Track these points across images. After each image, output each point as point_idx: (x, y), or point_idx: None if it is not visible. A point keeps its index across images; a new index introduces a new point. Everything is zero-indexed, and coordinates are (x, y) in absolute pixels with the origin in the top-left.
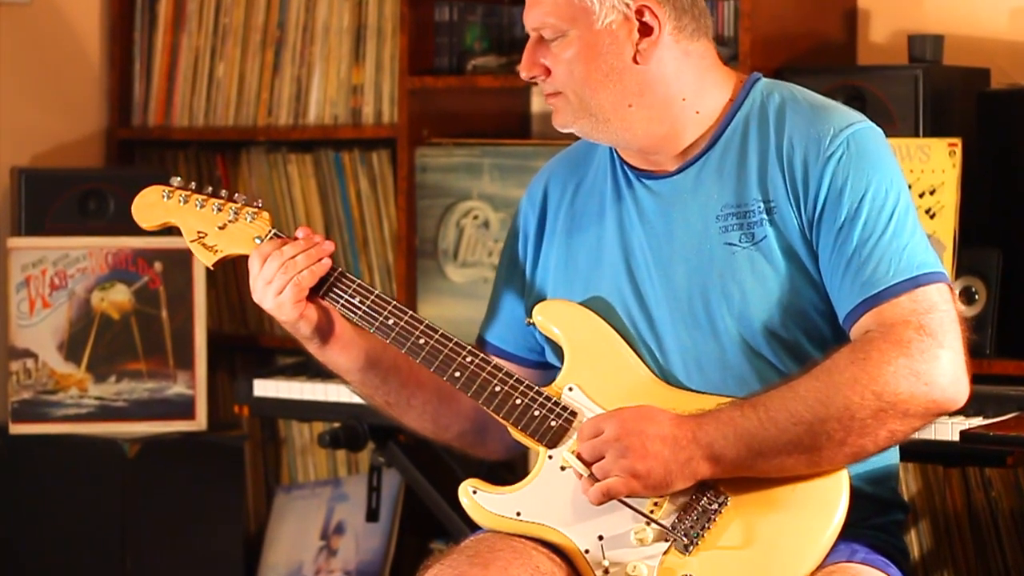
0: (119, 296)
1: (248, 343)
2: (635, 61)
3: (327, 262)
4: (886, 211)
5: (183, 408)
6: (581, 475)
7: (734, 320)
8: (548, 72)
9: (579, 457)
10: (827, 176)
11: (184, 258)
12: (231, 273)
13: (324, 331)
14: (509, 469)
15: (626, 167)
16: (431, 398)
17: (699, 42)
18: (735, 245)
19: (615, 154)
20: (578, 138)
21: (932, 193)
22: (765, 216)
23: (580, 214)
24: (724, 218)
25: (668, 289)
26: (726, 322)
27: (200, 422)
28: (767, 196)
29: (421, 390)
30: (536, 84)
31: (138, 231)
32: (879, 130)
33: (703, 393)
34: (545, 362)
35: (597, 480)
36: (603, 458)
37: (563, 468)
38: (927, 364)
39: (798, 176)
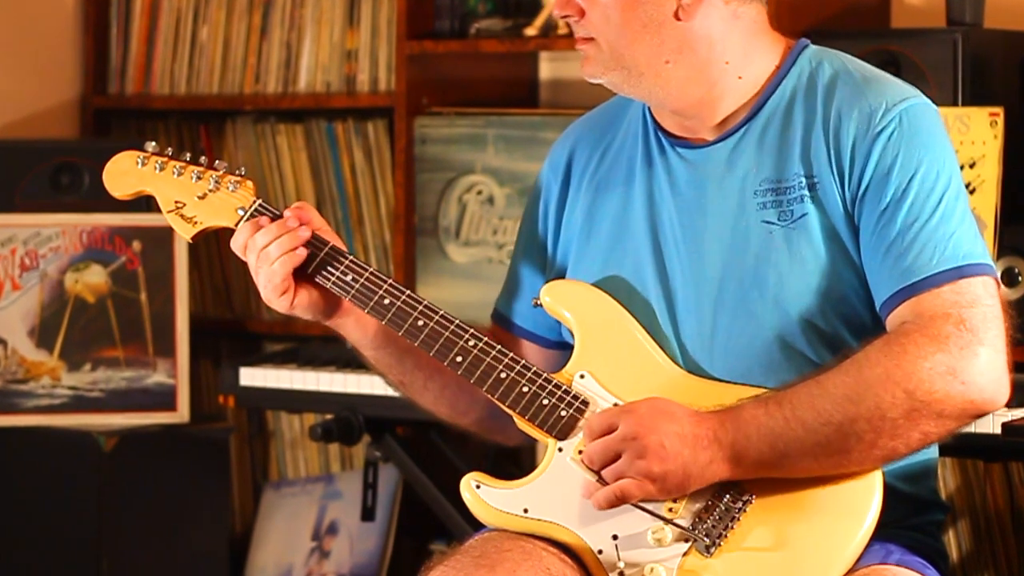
0: (94, 278)
1: (234, 328)
2: (676, 17)
3: (301, 252)
4: (935, 194)
5: (164, 399)
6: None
7: (768, 306)
8: (582, 13)
9: (588, 455)
10: (875, 153)
11: (165, 237)
12: (215, 253)
13: (330, 309)
14: (515, 462)
15: (660, 133)
16: (449, 383)
17: (751, 5)
18: (772, 223)
19: (649, 118)
20: (593, 105)
21: (972, 166)
22: (806, 192)
23: (606, 182)
24: (763, 194)
25: (696, 268)
26: (757, 308)
27: (182, 414)
28: (809, 171)
29: (440, 374)
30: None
31: (115, 207)
32: (934, 107)
33: (725, 382)
34: (565, 342)
35: (606, 482)
36: (617, 458)
37: (572, 464)
38: (965, 361)
39: (844, 151)
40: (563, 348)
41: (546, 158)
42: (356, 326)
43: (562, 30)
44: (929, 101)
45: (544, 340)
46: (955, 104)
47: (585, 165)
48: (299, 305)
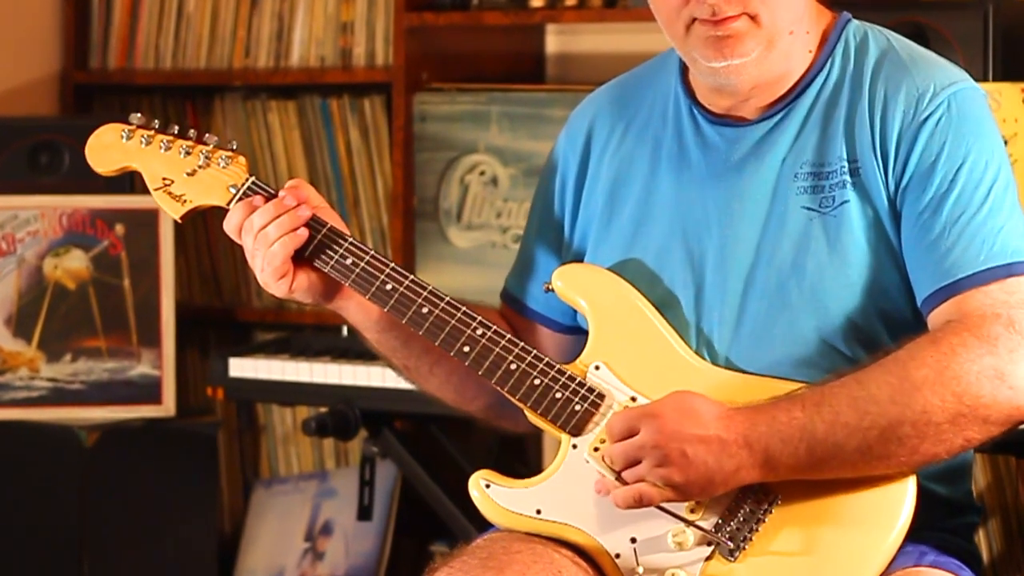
0: (75, 263)
1: (223, 317)
2: None
3: (302, 232)
4: (983, 186)
5: (148, 391)
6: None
7: (805, 297)
8: None
9: (608, 458)
10: (922, 140)
11: (149, 220)
12: (203, 237)
13: (330, 292)
14: (520, 459)
15: (696, 109)
16: (457, 368)
17: None
18: (812, 210)
19: (683, 94)
20: (602, 81)
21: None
22: (848, 178)
23: (629, 159)
24: (803, 178)
25: (728, 254)
26: (793, 297)
27: (167, 407)
28: (852, 155)
29: (446, 359)
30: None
31: (96, 189)
32: (983, 91)
33: (751, 374)
34: (580, 327)
35: (624, 483)
36: (637, 463)
37: (589, 460)
38: (1014, 365)
39: (890, 136)
40: (578, 333)
41: (563, 129)
42: (358, 309)
43: (570, 1)
44: (977, 85)
45: (557, 324)
46: (985, 79)
47: (607, 139)
48: (298, 289)
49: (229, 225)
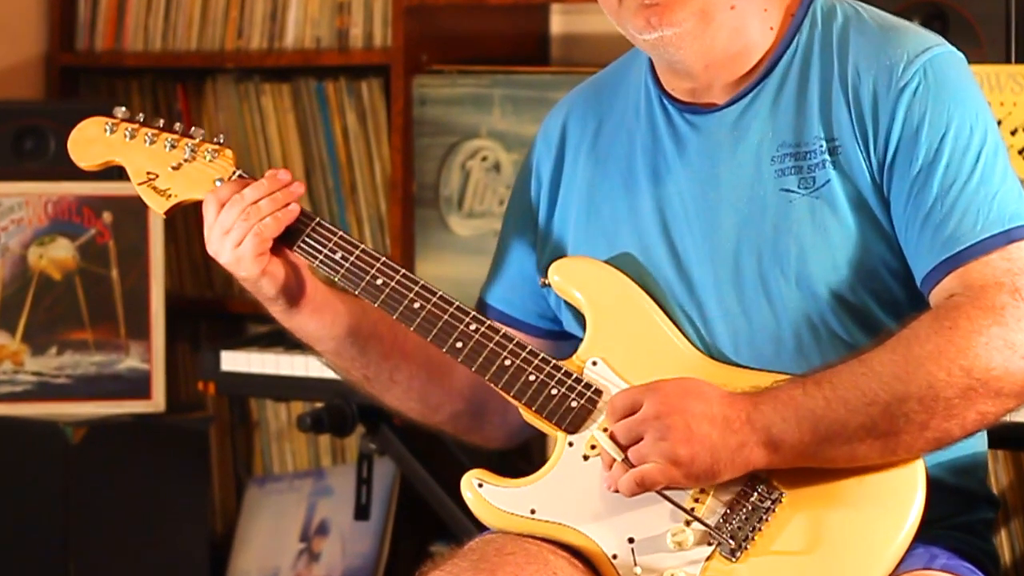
0: (61, 252)
1: (214, 308)
2: None
3: (295, 208)
4: (971, 152)
5: (137, 385)
6: (612, 459)
7: (790, 283)
8: None
9: (612, 437)
10: (901, 111)
11: (138, 207)
12: (193, 225)
13: (292, 291)
14: (524, 456)
15: (666, 99)
16: (418, 373)
17: None
18: (792, 192)
19: (652, 85)
20: (608, 62)
21: None
22: (828, 157)
23: (605, 156)
24: (780, 160)
25: (711, 245)
26: (780, 285)
27: (157, 402)
28: (830, 134)
29: (406, 363)
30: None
31: (83, 175)
32: (960, 55)
33: (754, 369)
34: (559, 331)
35: (631, 466)
36: (639, 440)
37: (586, 457)
38: None
39: (866, 111)
40: (558, 338)
41: (537, 134)
42: (313, 316)
43: None
44: (954, 49)
45: (534, 328)
46: (1008, 62)
47: (580, 138)
48: (270, 273)
49: (218, 196)
